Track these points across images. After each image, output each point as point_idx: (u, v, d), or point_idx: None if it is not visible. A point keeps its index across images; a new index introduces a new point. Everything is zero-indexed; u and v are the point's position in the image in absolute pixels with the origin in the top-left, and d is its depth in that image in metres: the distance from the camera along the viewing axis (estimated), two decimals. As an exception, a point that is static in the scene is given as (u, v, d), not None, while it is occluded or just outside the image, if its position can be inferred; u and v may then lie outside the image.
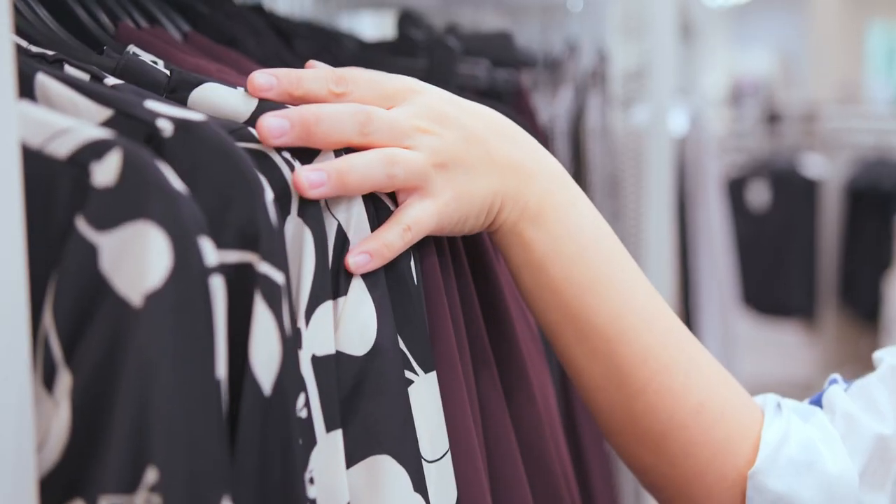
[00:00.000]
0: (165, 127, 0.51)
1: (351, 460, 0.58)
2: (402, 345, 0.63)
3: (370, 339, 0.60)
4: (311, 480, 0.55)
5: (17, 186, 0.44)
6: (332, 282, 0.59)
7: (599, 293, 0.72)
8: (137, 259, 0.46)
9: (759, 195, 5.10)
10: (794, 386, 4.07)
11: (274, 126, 0.58)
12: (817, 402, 0.79)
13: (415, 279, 0.65)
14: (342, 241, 0.60)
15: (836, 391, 0.78)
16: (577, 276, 0.72)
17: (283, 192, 0.56)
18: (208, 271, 0.47)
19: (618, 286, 0.73)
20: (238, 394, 0.50)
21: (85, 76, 0.56)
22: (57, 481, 0.47)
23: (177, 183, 0.48)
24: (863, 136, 5.07)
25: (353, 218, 0.61)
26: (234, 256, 0.50)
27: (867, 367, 0.82)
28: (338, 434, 0.57)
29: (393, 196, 0.65)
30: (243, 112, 0.60)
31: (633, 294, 0.73)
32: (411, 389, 0.63)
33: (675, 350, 0.74)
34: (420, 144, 0.65)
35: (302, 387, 0.54)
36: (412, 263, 0.65)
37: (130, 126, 0.51)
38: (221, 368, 0.48)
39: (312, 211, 0.58)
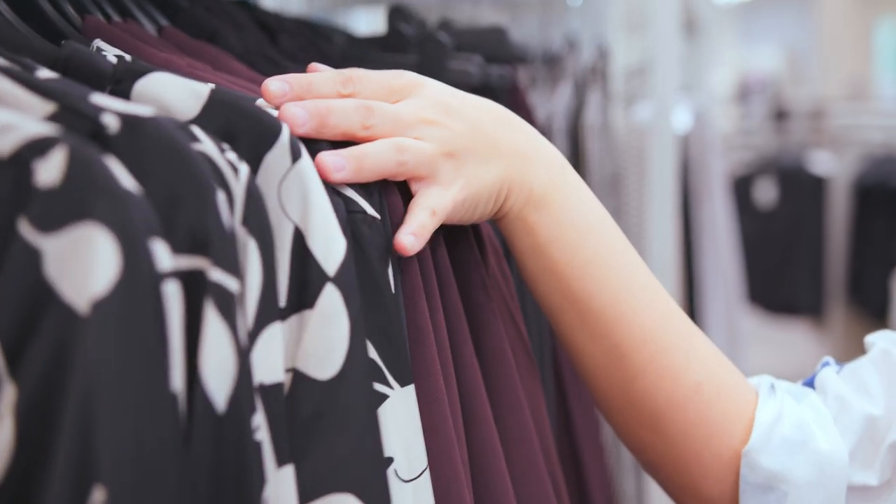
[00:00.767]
0: (111, 123, 0.47)
1: (307, 497, 0.54)
2: (376, 356, 0.59)
3: (337, 362, 0.55)
4: None
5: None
6: (295, 292, 0.55)
7: (600, 276, 0.74)
8: (83, 264, 0.43)
9: (766, 193, 5.07)
10: (803, 385, 4.01)
11: (297, 116, 0.61)
12: (810, 384, 0.81)
13: (392, 286, 0.61)
14: (301, 247, 0.55)
15: (829, 373, 0.80)
16: (579, 260, 0.74)
17: (228, 199, 0.51)
18: (160, 276, 0.44)
19: (618, 270, 0.75)
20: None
21: (17, 68, 0.53)
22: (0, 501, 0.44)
23: (127, 182, 0.44)
24: (871, 132, 5.02)
25: (313, 218, 0.56)
26: (184, 262, 0.47)
27: (876, 365, 0.79)
28: (289, 470, 0.53)
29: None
30: (191, 106, 0.56)
31: (633, 277, 0.76)
32: (386, 405, 0.59)
33: (674, 332, 0.76)
34: (427, 135, 0.67)
35: (256, 408, 0.50)
36: (389, 270, 0.61)
37: (75, 122, 0.47)
38: (177, 381, 0.45)
39: (258, 219, 0.52)
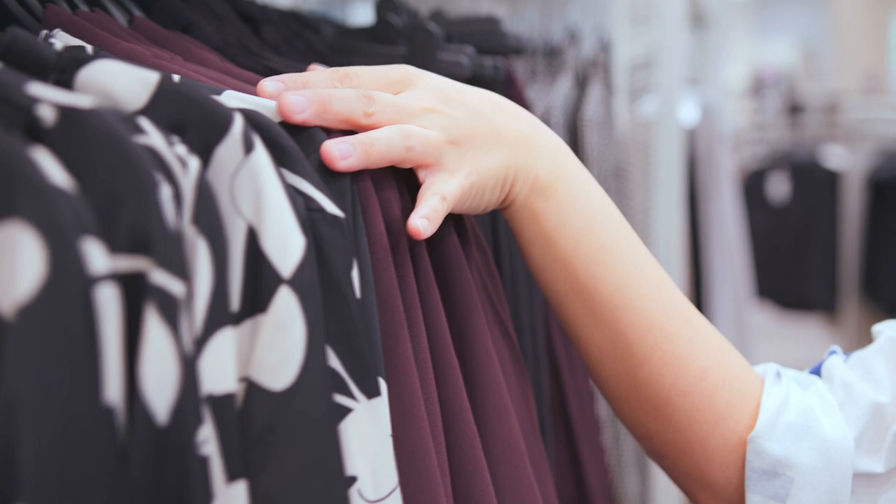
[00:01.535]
0: (46, 115, 0.44)
1: None
2: (339, 366, 0.56)
3: (292, 371, 0.51)
4: None
5: None
6: (249, 295, 0.51)
7: (605, 263, 0.74)
8: (7, 266, 0.39)
9: (779, 187, 5.02)
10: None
11: (295, 102, 0.61)
12: (817, 372, 0.81)
13: (356, 291, 0.57)
14: (255, 247, 0.51)
15: (836, 361, 0.79)
16: (585, 247, 0.74)
17: (176, 195, 0.48)
18: (93, 279, 0.41)
19: (622, 257, 0.75)
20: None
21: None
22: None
23: (57, 178, 0.41)
24: (886, 126, 4.97)
25: (267, 216, 0.52)
26: (123, 263, 0.43)
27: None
28: (241, 486, 0.49)
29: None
30: (139, 96, 0.52)
31: (637, 264, 0.76)
32: (349, 419, 0.56)
33: (678, 319, 0.76)
34: (430, 123, 0.67)
35: (203, 419, 0.47)
36: (354, 273, 0.58)
37: (6, 113, 0.44)
38: (113, 392, 0.42)
39: (208, 216, 0.49)
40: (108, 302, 0.42)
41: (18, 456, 0.38)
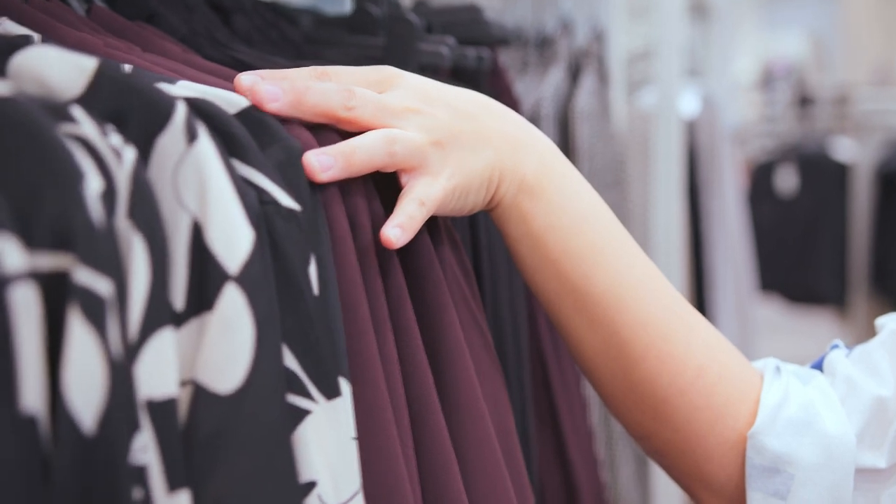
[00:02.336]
0: (-42, 105, 0.42)
1: None
2: (296, 366, 0.53)
3: (240, 373, 0.48)
4: None
5: None
6: (194, 293, 0.48)
7: (597, 262, 0.73)
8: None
9: (787, 180, 4.99)
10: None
11: (269, 91, 0.59)
12: (818, 367, 0.80)
13: (314, 288, 0.55)
14: (200, 242, 0.49)
15: (838, 355, 0.78)
16: (575, 246, 0.73)
17: (109, 189, 0.45)
18: (7, 278, 0.39)
19: (614, 255, 0.74)
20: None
21: None
22: None
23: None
24: (896, 118, 4.93)
25: (212, 209, 0.49)
26: (44, 261, 0.41)
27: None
28: (184, 496, 0.46)
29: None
30: (75, 83, 0.49)
31: (629, 262, 0.75)
32: (307, 421, 0.53)
33: (673, 317, 0.75)
34: (413, 124, 0.66)
35: (139, 426, 0.44)
36: (312, 268, 0.55)
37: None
38: (32, 400, 0.39)
39: (146, 210, 0.46)
40: (26, 302, 0.39)
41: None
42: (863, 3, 6.92)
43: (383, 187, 0.66)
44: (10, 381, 0.38)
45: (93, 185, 0.43)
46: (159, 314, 0.46)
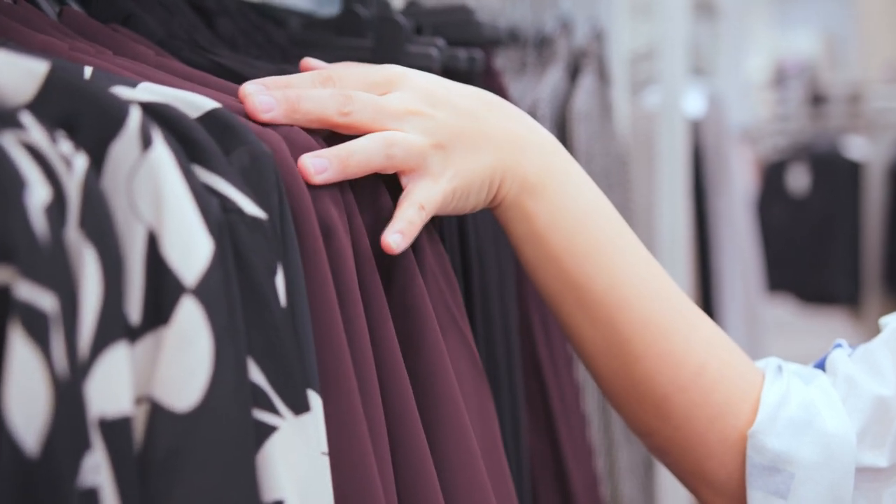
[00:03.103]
0: None
1: None
2: (262, 380, 0.51)
3: (198, 389, 0.46)
4: None
5: None
6: (150, 307, 0.46)
7: (599, 261, 0.74)
8: None
9: (799, 179, 4.96)
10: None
11: (262, 101, 0.60)
12: (820, 366, 0.80)
13: (281, 299, 0.53)
14: (156, 253, 0.46)
15: (840, 355, 0.78)
16: (578, 245, 0.73)
17: (57, 198, 0.43)
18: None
19: (617, 253, 0.74)
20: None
21: None
22: None
23: None
24: (909, 116, 4.90)
25: (168, 219, 0.47)
26: (-17, 275, 0.39)
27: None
28: None
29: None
30: (25, 88, 0.47)
31: (632, 260, 0.75)
32: (274, 437, 0.51)
33: (675, 315, 0.75)
34: (414, 127, 0.66)
35: (89, 445, 0.42)
36: (278, 279, 0.53)
37: None
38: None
39: (97, 221, 0.44)
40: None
41: None
42: (876, 1, 6.87)
43: (347, 185, 0.64)
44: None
45: (37, 194, 0.41)
46: (112, 329, 0.44)
